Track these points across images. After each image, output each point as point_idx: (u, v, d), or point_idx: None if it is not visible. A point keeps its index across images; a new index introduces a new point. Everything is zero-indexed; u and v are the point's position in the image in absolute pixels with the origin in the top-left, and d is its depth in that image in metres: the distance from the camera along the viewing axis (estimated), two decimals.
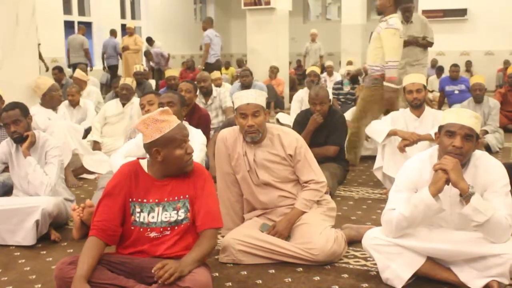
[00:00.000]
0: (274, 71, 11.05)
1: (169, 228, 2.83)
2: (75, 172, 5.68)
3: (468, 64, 14.35)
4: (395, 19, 5.65)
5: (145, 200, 2.83)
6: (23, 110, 4.02)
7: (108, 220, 2.77)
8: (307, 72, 8.89)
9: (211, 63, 11.09)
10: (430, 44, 7.64)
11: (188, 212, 2.84)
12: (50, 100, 5.98)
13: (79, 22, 15.00)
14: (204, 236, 2.80)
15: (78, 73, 8.83)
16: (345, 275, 3.20)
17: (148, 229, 2.83)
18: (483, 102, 7.23)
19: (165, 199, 2.84)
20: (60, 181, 4.22)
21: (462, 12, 15.08)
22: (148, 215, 2.83)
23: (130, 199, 2.83)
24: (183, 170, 2.85)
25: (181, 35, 16.79)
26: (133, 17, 17.07)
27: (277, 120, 8.15)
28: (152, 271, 2.58)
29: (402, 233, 2.96)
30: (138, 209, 2.83)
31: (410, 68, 7.51)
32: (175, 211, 2.83)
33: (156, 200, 2.83)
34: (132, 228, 2.83)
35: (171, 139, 2.76)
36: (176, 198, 2.84)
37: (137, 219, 2.83)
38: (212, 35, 11.21)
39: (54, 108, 6.09)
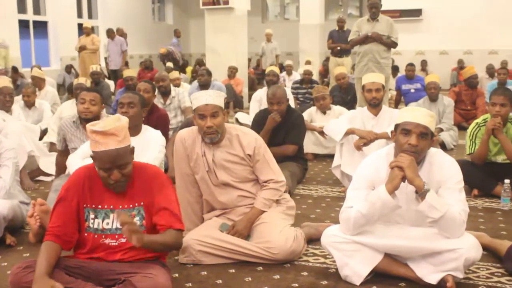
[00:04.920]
0: (233, 71, 11.06)
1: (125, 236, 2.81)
2: (31, 174, 5.57)
3: (424, 63, 14.63)
4: None
5: (99, 206, 2.78)
6: None
7: (62, 226, 2.72)
8: (266, 72, 8.92)
9: None
10: (394, 44, 7.77)
11: (144, 220, 2.79)
12: None
13: (34, 21, 14.71)
14: (168, 232, 2.74)
15: (36, 71, 8.66)
16: (305, 273, 3.22)
17: (103, 236, 2.79)
18: (438, 100, 7.37)
19: (120, 207, 2.79)
20: (16, 184, 4.12)
21: (417, 13, 15.37)
22: (103, 221, 2.78)
23: (84, 205, 2.78)
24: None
25: (139, 35, 16.62)
26: (90, 17, 16.80)
27: (236, 120, 8.15)
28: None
29: (360, 230, 3.00)
30: (92, 215, 2.79)
31: (373, 66, 7.62)
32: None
33: (111, 207, 2.78)
34: (86, 234, 2.79)
35: (97, 158, 2.69)
36: (131, 205, 2.79)
37: (91, 225, 2.79)
38: None
39: (7, 110, 5.96)
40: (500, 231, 3.96)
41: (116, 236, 2.79)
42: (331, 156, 5.46)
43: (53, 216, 2.76)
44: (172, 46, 15.06)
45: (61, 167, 4.72)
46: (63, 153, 4.65)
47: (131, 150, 2.76)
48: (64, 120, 4.68)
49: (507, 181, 4.48)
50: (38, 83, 8.40)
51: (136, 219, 2.79)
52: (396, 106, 9.77)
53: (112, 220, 2.79)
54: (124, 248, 2.78)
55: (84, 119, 4.40)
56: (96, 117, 4.44)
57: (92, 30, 13.86)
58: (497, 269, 3.24)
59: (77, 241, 2.81)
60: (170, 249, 2.82)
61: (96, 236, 2.79)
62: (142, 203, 2.80)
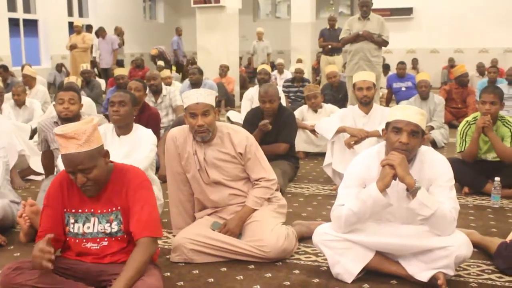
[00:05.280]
0: (224, 69, 11.06)
1: (106, 239, 2.76)
2: (22, 174, 5.54)
3: (414, 62, 14.68)
4: None
5: (80, 210, 2.74)
6: None
7: (49, 230, 2.70)
8: (257, 70, 8.93)
9: None
10: (385, 42, 7.79)
11: (121, 224, 2.74)
12: None
13: (24, 20, 14.63)
14: (138, 247, 2.63)
15: (28, 70, 8.62)
16: (297, 271, 3.23)
17: (84, 240, 2.75)
18: (429, 98, 7.39)
19: (99, 211, 2.74)
20: (6, 183, 4.10)
21: (408, 11, 15.42)
22: (84, 225, 2.75)
23: (64, 210, 2.76)
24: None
25: (130, 33, 16.51)
26: (80, 15, 16.73)
27: (228, 118, 8.15)
28: None
29: (351, 228, 3.01)
30: (72, 220, 2.75)
31: (365, 64, 7.64)
32: (109, 224, 2.74)
33: (92, 210, 2.74)
34: (67, 239, 2.77)
35: (62, 161, 2.64)
36: (109, 210, 2.74)
37: (72, 230, 2.75)
38: None
39: None
40: (490, 229, 3.98)
41: (98, 240, 2.75)
42: (322, 154, 5.47)
43: (42, 221, 2.75)
44: (173, 44, 15.15)
45: (48, 168, 4.72)
46: (46, 153, 4.65)
47: (101, 154, 2.67)
48: (43, 121, 4.65)
49: (497, 179, 4.50)
50: (29, 81, 8.37)
51: (114, 224, 2.74)
52: (387, 104, 9.80)
53: (93, 224, 2.75)
54: (109, 253, 2.75)
55: (64, 119, 4.37)
56: (77, 116, 4.43)
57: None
58: (487, 266, 3.26)
59: (65, 244, 2.80)
60: (147, 264, 2.65)
61: (77, 240, 2.76)
62: (119, 207, 2.73)
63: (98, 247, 2.76)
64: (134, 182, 2.73)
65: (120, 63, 13.46)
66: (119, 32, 14.35)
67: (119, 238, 2.76)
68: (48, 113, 6.72)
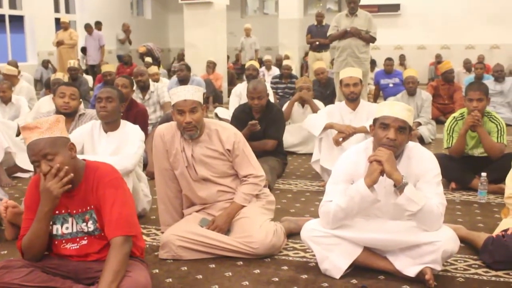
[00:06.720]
0: (211, 65, 11.03)
1: (85, 238, 2.73)
2: (9, 171, 5.50)
3: (402, 58, 14.73)
4: None
5: (57, 212, 2.69)
6: None
7: None
8: (246, 67, 8.91)
9: None
10: (373, 39, 7.80)
11: (97, 223, 2.70)
12: None
13: (10, 16, 14.51)
14: (111, 248, 2.57)
15: (5, 68, 8.54)
16: (285, 267, 3.23)
17: (63, 241, 2.73)
18: (416, 94, 7.42)
19: (74, 211, 2.70)
20: None
21: (395, 8, 15.49)
22: (62, 226, 2.72)
23: None
24: None
25: (118, 30, 16.47)
26: (67, 11, 16.62)
27: (216, 115, 8.14)
28: None
29: (339, 224, 3.02)
30: (50, 222, 2.70)
31: (352, 60, 7.66)
32: (85, 223, 2.71)
33: (69, 211, 2.71)
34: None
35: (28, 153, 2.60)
36: (84, 209, 2.70)
37: (51, 232, 2.71)
38: None
39: None
40: (477, 224, 4.01)
41: (77, 240, 2.73)
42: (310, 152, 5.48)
43: (23, 224, 2.72)
44: None
45: None
46: None
47: (66, 145, 2.62)
48: (39, 115, 4.62)
49: (483, 174, 4.54)
50: (10, 79, 8.29)
51: (90, 223, 2.71)
52: (374, 101, 9.83)
53: (71, 224, 2.72)
54: (92, 252, 2.73)
55: (62, 114, 4.36)
56: (75, 112, 4.41)
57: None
58: (474, 261, 3.29)
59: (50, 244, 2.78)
60: (125, 263, 2.57)
61: (56, 242, 2.73)
62: (92, 206, 2.69)
63: (78, 247, 2.73)
64: (103, 180, 2.67)
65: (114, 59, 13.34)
66: (126, 28, 14.26)
67: (97, 236, 2.73)
68: (35, 110, 6.68)
